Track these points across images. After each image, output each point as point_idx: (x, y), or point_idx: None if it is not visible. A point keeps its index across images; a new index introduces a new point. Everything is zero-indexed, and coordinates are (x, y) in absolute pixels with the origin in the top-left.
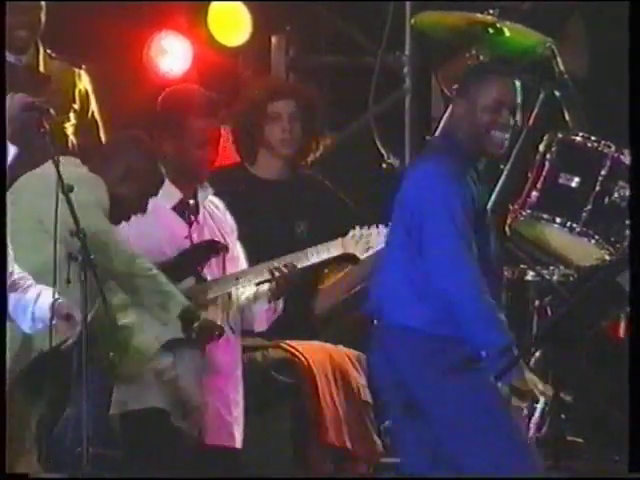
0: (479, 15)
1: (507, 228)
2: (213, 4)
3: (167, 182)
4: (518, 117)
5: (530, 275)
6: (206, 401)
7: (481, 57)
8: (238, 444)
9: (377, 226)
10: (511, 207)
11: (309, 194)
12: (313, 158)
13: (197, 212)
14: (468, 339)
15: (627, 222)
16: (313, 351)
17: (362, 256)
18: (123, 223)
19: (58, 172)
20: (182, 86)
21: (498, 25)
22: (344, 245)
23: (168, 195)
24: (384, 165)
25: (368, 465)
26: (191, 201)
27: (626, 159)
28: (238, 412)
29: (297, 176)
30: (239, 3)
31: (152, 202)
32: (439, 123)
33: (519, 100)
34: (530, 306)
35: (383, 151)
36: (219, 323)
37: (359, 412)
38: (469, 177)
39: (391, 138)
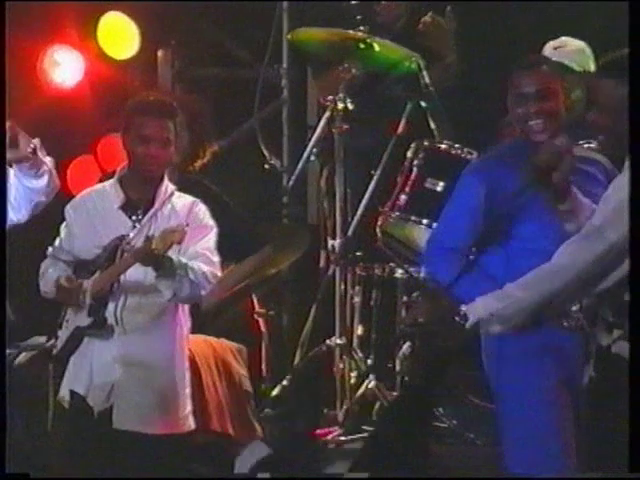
0: (351, 31)
1: (377, 229)
2: (103, 19)
3: (114, 182)
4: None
5: (399, 273)
6: (114, 386)
7: (353, 70)
8: (153, 430)
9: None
10: (381, 209)
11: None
12: (200, 164)
13: (144, 212)
14: None
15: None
16: (197, 344)
17: (165, 251)
18: (73, 217)
19: None
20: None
21: (368, 40)
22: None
23: (114, 195)
24: (267, 166)
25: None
26: (139, 202)
27: None
28: (158, 399)
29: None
30: (127, 18)
31: (103, 200)
32: (315, 130)
33: (552, 83)
34: (399, 302)
35: (266, 153)
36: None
37: (240, 400)
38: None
39: (272, 143)
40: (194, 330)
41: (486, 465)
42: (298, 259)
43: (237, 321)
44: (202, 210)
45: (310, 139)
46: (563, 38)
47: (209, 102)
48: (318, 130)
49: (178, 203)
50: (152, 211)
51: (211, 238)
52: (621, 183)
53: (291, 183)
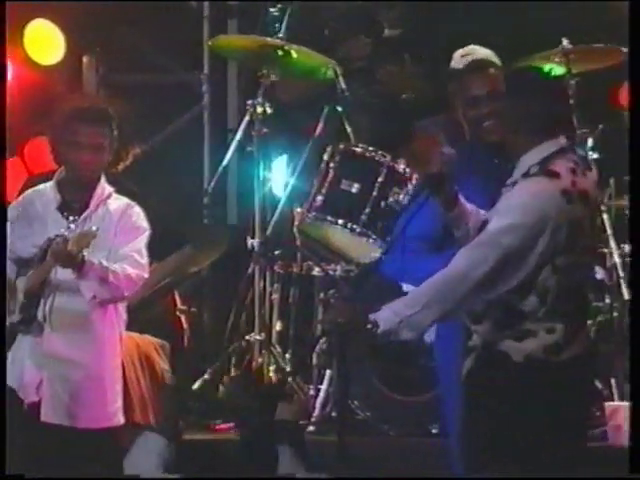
0: (269, 39)
1: (295, 229)
2: (29, 26)
3: (52, 183)
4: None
5: (316, 271)
6: (43, 380)
7: (272, 76)
8: (80, 424)
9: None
10: (299, 210)
11: None
12: (123, 166)
13: (79, 214)
14: None
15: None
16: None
17: (78, 254)
18: (15, 216)
19: None
20: (74, 94)
21: (286, 47)
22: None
23: (52, 196)
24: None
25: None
26: (75, 203)
27: (400, 167)
28: (85, 395)
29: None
30: (53, 25)
31: (42, 201)
32: (235, 134)
33: (500, 85)
34: (316, 299)
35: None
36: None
37: (162, 393)
38: None
39: (192, 149)
40: None
41: (400, 456)
42: (218, 258)
43: (160, 317)
44: (135, 213)
45: (230, 142)
46: (471, 46)
47: (132, 106)
48: (238, 133)
49: (113, 205)
50: (86, 213)
51: (142, 240)
52: (518, 200)
53: (212, 185)
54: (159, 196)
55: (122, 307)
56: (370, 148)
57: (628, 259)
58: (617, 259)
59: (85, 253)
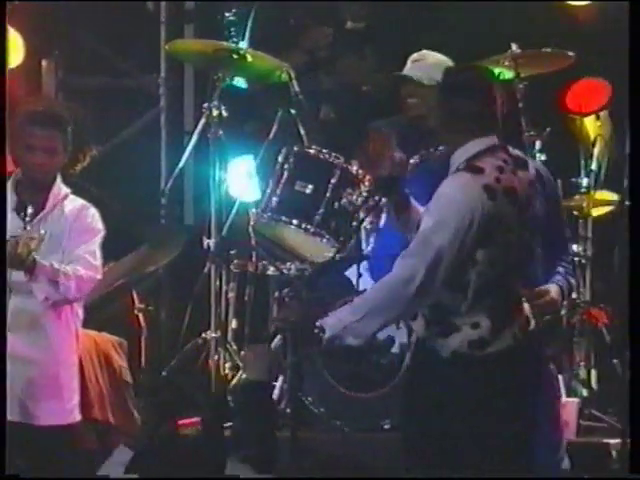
0: (225, 43)
1: (250, 229)
2: None
3: (9, 184)
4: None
5: (271, 270)
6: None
7: (227, 79)
8: (37, 422)
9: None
10: (254, 210)
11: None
12: (80, 167)
13: (35, 215)
14: None
15: (354, 223)
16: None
17: (28, 257)
18: None
19: None
20: (31, 97)
21: (241, 51)
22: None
23: (9, 197)
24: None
25: (127, 436)
26: (31, 205)
27: (353, 169)
28: (42, 393)
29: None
30: (12, 29)
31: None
32: (191, 135)
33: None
34: (271, 297)
35: None
36: None
37: (120, 390)
38: None
39: (149, 152)
40: None
41: (353, 452)
42: (175, 257)
43: (118, 316)
44: (90, 214)
45: (187, 144)
46: (423, 52)
47: (90, 109)
48: (195, 136)
49: (68, 207)
50: (42, 214)
51: (95, 242)
52: (443, 196)
53: (169, 185)
54: (117, 197)
55: (78, 306)
56: (324, 150)
57: (577, 258)
58: None
59: (36, 255)
